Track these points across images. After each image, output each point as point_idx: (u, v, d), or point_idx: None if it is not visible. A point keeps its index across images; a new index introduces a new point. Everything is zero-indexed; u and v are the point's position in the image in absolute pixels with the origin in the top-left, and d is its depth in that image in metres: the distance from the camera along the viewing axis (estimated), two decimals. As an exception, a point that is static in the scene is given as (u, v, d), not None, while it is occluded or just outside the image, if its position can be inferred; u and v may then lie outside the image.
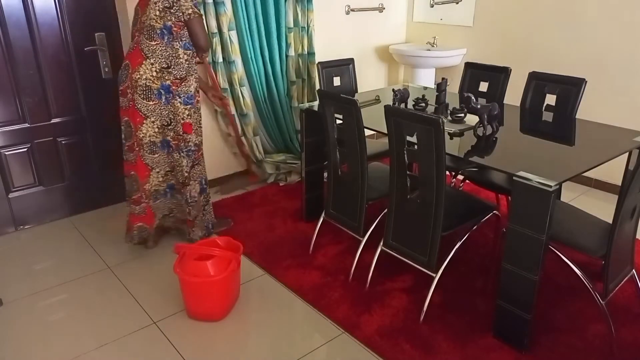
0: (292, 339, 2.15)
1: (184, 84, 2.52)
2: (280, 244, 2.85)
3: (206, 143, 3.51)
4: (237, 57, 3.28)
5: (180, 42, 2.48)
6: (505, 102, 2.98)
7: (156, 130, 2.55)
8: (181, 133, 2.57)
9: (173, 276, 2.36)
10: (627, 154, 2.27)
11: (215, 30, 3.17)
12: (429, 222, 2.10)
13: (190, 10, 2.45)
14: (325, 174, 2.75)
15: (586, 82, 2.65)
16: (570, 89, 2.69)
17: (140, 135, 2.53)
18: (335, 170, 2.54)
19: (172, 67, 2.47)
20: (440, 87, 2.64)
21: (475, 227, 2.36)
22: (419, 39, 4.47)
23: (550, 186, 1.77)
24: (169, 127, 2.56)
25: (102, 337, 2.15)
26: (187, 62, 2.52)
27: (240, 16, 3.21)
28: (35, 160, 3.02)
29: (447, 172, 2.32)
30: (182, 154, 2.61)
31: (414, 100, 2.78)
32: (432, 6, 4.32)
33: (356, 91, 3.28)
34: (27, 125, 2.94)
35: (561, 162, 2.15)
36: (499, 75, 2.99)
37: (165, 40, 2.45)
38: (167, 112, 2.52)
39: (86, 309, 2.34)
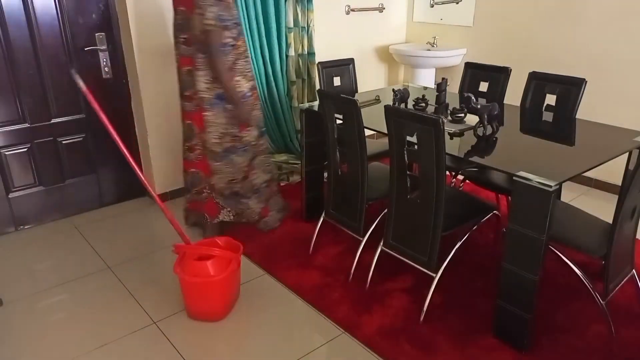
0: (292, 339, 2.15)
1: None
2: (280, 244, 2.85)
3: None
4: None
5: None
6: (505, 102, 2.98)
7: (217, 140, 2.62)
8: (237, 134, 2.65)
9: (173, 276, 2.36)
10: (627, 154, 2.27)
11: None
12: (429, 222, 2.10)
13: (212, 21, 2.37)
14: (325, 174, 2.75)
15: (586, 82, 2.65)
16: (570, 89, 2.69)
17: (204, 138, 2.63)
18: (335, 170, 2.54)
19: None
20: (440, 87, 2.63)
21: (475, 227, 2.36)
22: (419, 39, 4.47)
23: (550, 186, 1.77)
24: (228, 132, 2.63)
25: (102, 337, 2.15)
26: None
27: (241, 16, 3.21)
28: (35, 160, 3.02)
29: (447, 172, 2.32)
30: (238, 152, 2.69)
31: (414, 100, 2.78)
32: (432, 6, 4.32)
33: (356, 91, 3.28)
34: (27, 125, 2.94)
35: (561, 162, 2.15)
36: (499, 75, 2.99)
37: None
38: (222, 119, 2.60)
39: (86, 309, 2.34)
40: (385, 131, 2.15)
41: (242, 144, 2.69)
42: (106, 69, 3.10)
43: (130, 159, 2.13)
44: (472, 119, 2.50)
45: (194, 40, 2.47)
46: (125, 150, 2.12)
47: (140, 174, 2.19)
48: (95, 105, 2.04)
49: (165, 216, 2.23)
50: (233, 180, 2.73)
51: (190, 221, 2.96)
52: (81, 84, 2.02)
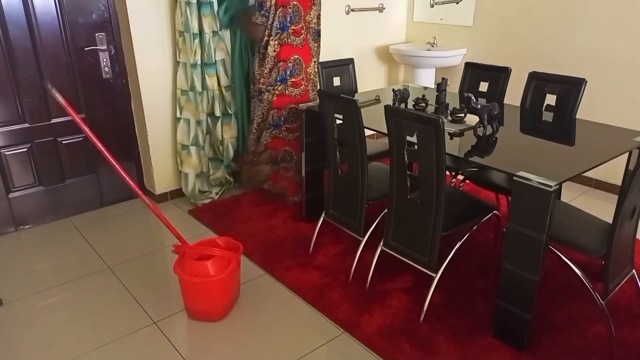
0: (292, 339, 2.15)
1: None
2: (280, 244, 2.85)
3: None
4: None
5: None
6: (505, 102, 2.98)
7: None
8: None
9: (173, 276, 2.36)
10: (627, 154, 2.27)
11: (217, 29, 3.17)
12: (429, 222, 2.10)
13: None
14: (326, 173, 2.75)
15: (586, 82, 2.65)
16: (570, 89, 2.69)
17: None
18: (335, 170, 2.54)
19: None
20: (440, 87, 2.63)
21: (475, 227, 2.36)
22: (419, 39, 4.47)
23: (550, 186, 1.77)
24: None
25: (102, 337, 2.15)
26: None
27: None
28: (35, 160, 3.02)
29: (447, 172, 2.32)
30: None
31: (414, 100, 2.78)
32: (432, 6, 4.32)
33: (356, 91, 3.28)
34: (27, 125, 2.94)
35: (561, 162, 2.15)
36: (499, 75, 2.99)
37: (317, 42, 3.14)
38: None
39: (86, 309, 2.34)
40: (385, 131, 2.15)
41: None
42: (106, 69, 3.10)
43: (113, 161, 2.13)
44: (472, 119, 2.50)
45: (306, 30, 3.01)
46: (107, 154, 2.11)
47: (127, 177, 2.19)
48: (76, 117, 2.02)
49: (155, 214, 2.23)
50: None
51: (254, 182, 3.29)
52: (58, 96, 1.98)
